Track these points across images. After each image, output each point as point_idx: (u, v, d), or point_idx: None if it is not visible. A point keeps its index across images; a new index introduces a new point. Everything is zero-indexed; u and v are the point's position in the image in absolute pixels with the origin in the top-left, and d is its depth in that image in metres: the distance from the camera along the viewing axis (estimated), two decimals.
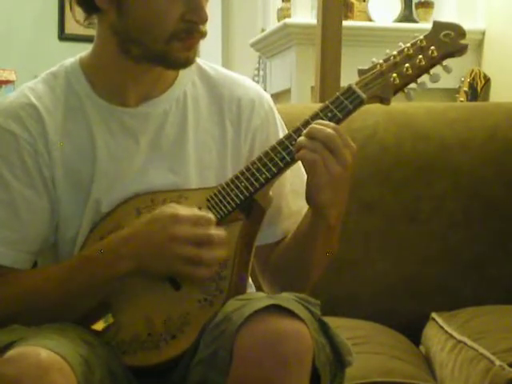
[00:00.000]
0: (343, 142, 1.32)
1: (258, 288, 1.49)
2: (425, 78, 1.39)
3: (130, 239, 1.32)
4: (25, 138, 1.38)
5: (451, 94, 3.27)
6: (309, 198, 1.35)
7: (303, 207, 1.48)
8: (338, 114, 1.36)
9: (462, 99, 3.22)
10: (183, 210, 1.30)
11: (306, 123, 1.36)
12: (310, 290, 1.46)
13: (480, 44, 3.30)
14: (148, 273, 1.32)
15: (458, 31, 1.39)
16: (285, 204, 1.49)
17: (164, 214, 1.31)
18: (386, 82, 1.38)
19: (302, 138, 1.33)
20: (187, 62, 1.38)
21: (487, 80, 3.21)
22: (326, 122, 1.34)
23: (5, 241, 1.37)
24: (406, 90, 1.39)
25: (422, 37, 1.39)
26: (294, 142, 1.36)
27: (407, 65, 1.38)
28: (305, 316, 1.23)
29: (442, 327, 1.76)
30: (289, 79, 3.55)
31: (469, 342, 1.63)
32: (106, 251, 1.32)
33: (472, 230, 1.96)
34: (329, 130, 1.32)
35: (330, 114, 1.36)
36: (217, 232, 1.31)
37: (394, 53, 1.39)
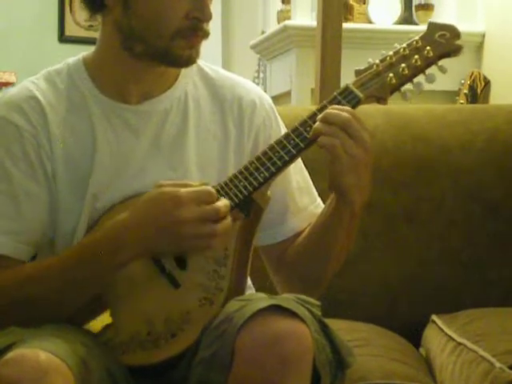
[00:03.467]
0: (360, 125, 1.33)
1: (259, 289, 1.49)
2: (420, 78, 1.40)
3: (132, 226, 1.31)
4: (28, 130, 1.39)
5: (451, 96, 3.27)
6: (333, 185, 1.35)
7: (309, 204, 1.50)
8: None
9: (461, 101, 3.22)
10: (183, 191, 1.29)
11: (304, 122, 1.37)
12: (326, 287, 1.47)
13: (480, 46, 3.30)
14: (156, 254, 1.32)
15: (453, 32, 1.41)
16: (291, 201, 1.50)
17: (165, 197, 1.30)
18: (382, 82, 1.39)
19: (318, 124, 1.34)
20: (189, 61, 1.39)
21: (487, 82, 3.21)
22: (341, 107, 1.34)
23: (5, 231, 1.37)
24: (402, 90, 1.40)
25: (417, 37, 1.41)
26: (292, 142, 1.36)
27: (403, 65, 1.39)
28: (305, 316, 1.24)
29: (441, 329, 1.76)
30: (289, 81, 3.55)
31: (469, 344, 1.63)
32: (107, 240, 1.31)
33: (472, 231, 1.96)
34: (345, 114, 1.33)
35: None
36: (222, 202, 1.31)
37: (390, 53, 1.40)
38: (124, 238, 1.31)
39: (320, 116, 1.34)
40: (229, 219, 1.31)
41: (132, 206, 1.33)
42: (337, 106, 1.35)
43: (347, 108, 1.35)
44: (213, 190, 1.31)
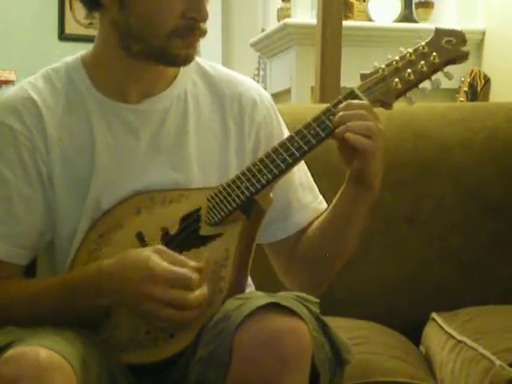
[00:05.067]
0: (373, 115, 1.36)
1: (258, 287, 1.49)
2: (426, 83, 1.40)
3: (110, 278, 1.29)
4: (22, 133, 1.39)
5: (451, 94, 3.27)
6: (359, 175, 1.37)
7: (312, 201, 1.50)
8: None
9: (462, 99, 3.22)
10: (160, 267, 1.26)
11: (308, 125, 1.37)
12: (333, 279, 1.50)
13: (480, 44, 3.30)
14: (131, 312, 1.31)
15: (459, 38, 1.41)
16: (294, 197, 1.50)
17: (142, 266, 1.26)
18: (387, 87, 1.39)
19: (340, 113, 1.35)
20: (187, 59, 1.39)
21: (487, 80, 3.21)
22: (356, 103, 1.36)
23: (0, 235, 1.37)
24: (407, 95, 1.40)
25: (423, 43, 1.41)
26: (295, 144, 1.37)
27: (409, 70, 1.39)
28: (304, 314, 1.24)
29: (441, 327, 1.76)
30: (289, 79, 3.55)
31: (469, 342, 1.63)
32: (87, 283, 1.31)
33: (472, 230, 1.96)
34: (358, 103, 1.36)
35: (331, 117, 1.37)
36: (194, 295, 1.26)
37: (396, 58, 1.40)
38: (105, 283, 1.29)
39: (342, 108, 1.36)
40: (197, 311, 1.27)
41: (123, 254, 1.30)
42: (351, 104, 1.36)
43: (360, 104, 1.36)
44: (193, 277, 1.26)
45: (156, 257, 1.27)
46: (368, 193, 1.40)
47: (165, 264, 1.26)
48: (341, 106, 1.36)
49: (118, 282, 1.28)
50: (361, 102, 1.36)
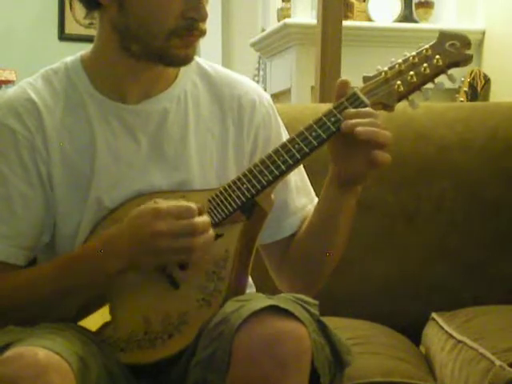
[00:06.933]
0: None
1: (259, 289, 1.49)
2: (429, 86, 1.40)
3: (115, 238, 1.31)
4: (23, 134, 1.39)
5: (451, 94, 3.27)
6: (352, 177, 1.38)
7: (307, 203, 1.50)
8: (341, 119, 1.37)
9: (462, 99, 3.22)
10: (163, 204, 1.30)
11: (310, 127, 1.37)
12: (324, 282, 1.50)
13: (480, 44, 3.30)
14: (140, 268, 1.32)
15: (463, 41, 1.41)
16: (290, 200, 1.50)
17: (145, 210, 1.30)
18: (390, 89, 1.39)
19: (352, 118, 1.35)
20: (186, 60, 1.39)
21: (487, 80, 3.21)
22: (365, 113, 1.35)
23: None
24: (409, 98, 1.40)
25: (427, 46, 1.41)
26: (296, 146, 1.37)
27: (412, 73, 1.38)
28: (303, 316, 1.24)
29: (442, 327, 1.76)
30: (289, 79, 3.55)
31: (469, 342, 1.62)
32: (92, 251, 1.32)
33: (472, 229, 1.96)
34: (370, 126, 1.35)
35: (333, 119, 1.37)
36: (200, 219, 1.30)
37: (399, 61, 1.40)
38: (108, 250, 1.31)
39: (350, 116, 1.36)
40: (209, 234, 1.30)
41: (125, 217, 1.33)
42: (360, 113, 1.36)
43: (365, 112, 1.36)
44: (193, 206, 1.30)
45: (156, 199, 1.32)
46: (351, 196, 1.41)
47: (165, 202, 1.30)
48: (349, 113, 1.35)
49: (126, 238, 1.30)
50: (369, 111, 1.35)
